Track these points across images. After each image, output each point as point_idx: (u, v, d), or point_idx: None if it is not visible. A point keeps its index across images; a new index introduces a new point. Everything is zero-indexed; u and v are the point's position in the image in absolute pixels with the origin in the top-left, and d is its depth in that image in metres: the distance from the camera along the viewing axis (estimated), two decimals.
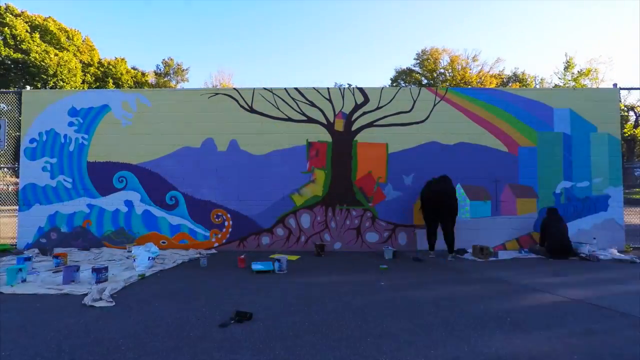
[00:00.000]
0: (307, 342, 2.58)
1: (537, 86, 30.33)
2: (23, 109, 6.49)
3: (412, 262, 5.36)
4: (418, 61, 33.37)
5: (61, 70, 22.90)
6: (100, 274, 4.03)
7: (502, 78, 31.92)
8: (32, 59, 21.99)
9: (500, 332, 2.77)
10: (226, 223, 6.32)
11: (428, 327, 2.87)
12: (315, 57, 60.90)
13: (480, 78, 31.51)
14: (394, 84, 32.76)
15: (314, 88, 6.45)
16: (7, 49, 21.55)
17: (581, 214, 6.26)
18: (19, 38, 22.12)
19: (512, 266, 5.12)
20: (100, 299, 3.44)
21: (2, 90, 6.95)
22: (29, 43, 22.32)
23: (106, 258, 5.44)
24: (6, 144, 6.51)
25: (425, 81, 32.65)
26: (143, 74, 34.04)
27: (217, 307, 3.27)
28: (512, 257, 5.70)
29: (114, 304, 3.37)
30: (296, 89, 6.45)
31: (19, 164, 6.41)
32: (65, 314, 3.12)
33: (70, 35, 26.27)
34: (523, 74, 33.21)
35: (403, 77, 33.56)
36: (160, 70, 38.18)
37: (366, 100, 6.41)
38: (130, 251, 5.29)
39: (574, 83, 24.83)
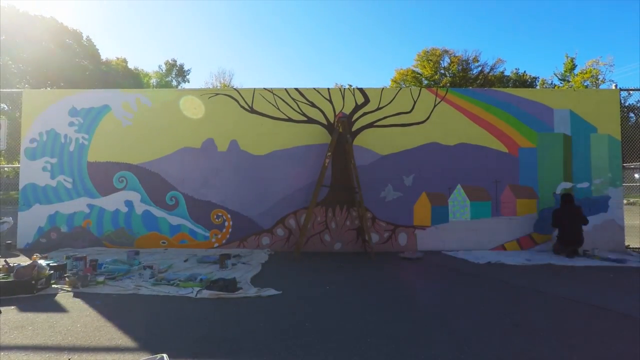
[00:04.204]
0: (307, 343, 2.58)
1: (537, 87, 30.35)
2: (23, 108, 6.49)
3: (412, 263, 5.35)
4: (418, 62, 33.38)
5: None
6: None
7: (502, 79, 31.92)
8: None
9: (501, 332, 2.77)
10: (226, 223, 6.32)
11: (428, 327, 2.87)
12: (315, 57, 60.97)
13: (481, 79, 31.52)
14: (395, 85, 32.76)
15: (314, 88, 6.44)
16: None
17: None
18: None
19: (510, 267, 5.11)
20: None
21: (2, 90, 6.95)
22: None
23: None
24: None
25: (426, 82, 32.66)
26: (145, 75, 34.09)
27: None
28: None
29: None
30: (296, 89, 6.45)
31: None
32: None
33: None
34: (524, 74, 33.25)
35: (403, 77, 33.56)
36: (162, 71, 38.24)
37: (366, 100, 6.41)
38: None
39: (573, 84, 24.85)
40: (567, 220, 5.75)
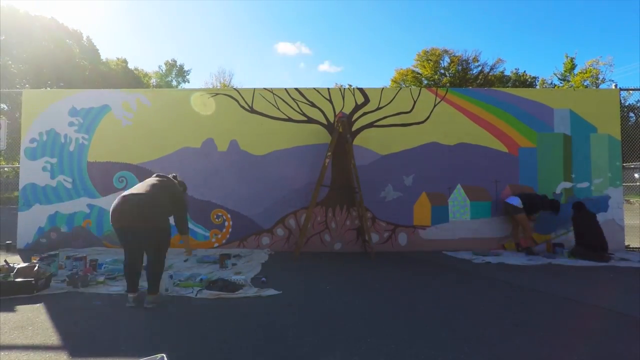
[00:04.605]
0: (307, 343, 2.58)
1: (537, 87, 30.35)
2: (23, 108, 6.49)
3: (412, 263, 5.36)
4: (418, 62, 33.38)
5: None
6: None
7: (502, 79, 31.92)
8: None
9: (501, 332, 2.77)
10: (226, 223, 6.32)
11: (428, 327, 2.86)
12: (315, 56, 61.00)
13: (481, 79, 31.52)
14: (394, 85, 32.75)
15: (314, 88, 6.44)
16: None
17: None
18: None
19: (509, 267, 5.11)
20: None
21: (2, 90, 6.95)
22: None
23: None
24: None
25: (426, 82, 32.65)
26: (145, 75, 34.12)
27: None
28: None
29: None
30: (296, 89, 6.45)
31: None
32: None
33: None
34: (523, 74, 33.26)
35: (403, 77, 33.56)
36: (162, 71, 38.25)
37: (366, 100, 6.41)
38: None
39: (573, 84, 24.84)
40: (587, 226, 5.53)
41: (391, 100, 6.39)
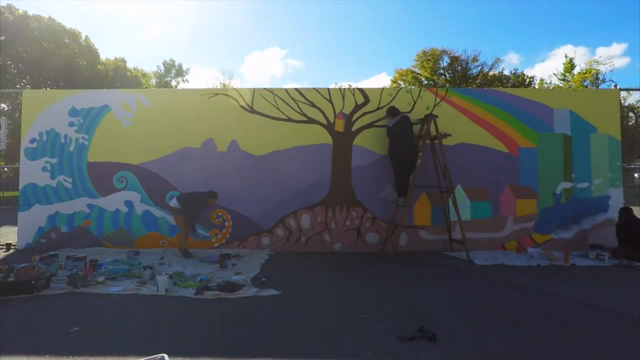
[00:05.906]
0: (307, 343, 2.58)
1: (536, 86, 30.37)
2: (23, 108, 6.49)
3: (412, 263, 5.35)
4: (418, 62, 33.35)
5: None
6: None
7: (501, 78, 31.90)
8: None
9: (501, 332, 2.77)
10: (226, 223, 6.31)
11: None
12: (315, 57, 61.01)
13: (480, 79, 31.51)
14: (394, 85, 32.74)
15: (314, 88, 6.44)
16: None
17: (581, 215, 6.25)
18: None
19: (510, 267, 5.11)
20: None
21: (2, 90, 6.96)
22: None
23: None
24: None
25: (425, 82, 32.62)
26: (144, 75, 34.12)
27: None
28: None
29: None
30: (296, 89, 6.45)
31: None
32: None
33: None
34: (522, 74, 33.24)
35: (403, 77, 33.53)
36: (160, 71, 38.23)
37: (366, 100, 6.40)
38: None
39: (573, 84, 24.85)
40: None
41: (391, 101, 6.39)
